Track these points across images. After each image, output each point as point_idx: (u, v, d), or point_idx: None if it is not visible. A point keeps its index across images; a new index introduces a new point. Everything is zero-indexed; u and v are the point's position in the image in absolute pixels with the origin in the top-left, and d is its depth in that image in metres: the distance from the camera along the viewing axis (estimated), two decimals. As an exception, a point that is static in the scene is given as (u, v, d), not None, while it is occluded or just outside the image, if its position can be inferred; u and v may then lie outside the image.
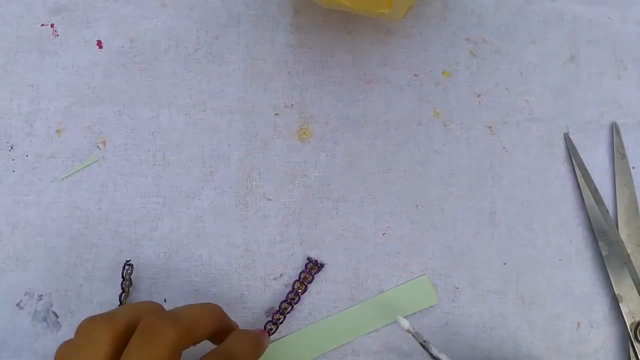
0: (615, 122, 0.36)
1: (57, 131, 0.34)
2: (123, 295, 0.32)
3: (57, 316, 0.33)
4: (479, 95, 0.36)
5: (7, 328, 0.33)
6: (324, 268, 0.34)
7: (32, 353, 0.33)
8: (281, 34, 0.36)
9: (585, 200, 0.35)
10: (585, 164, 0.36)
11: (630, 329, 0.34)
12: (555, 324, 0.35)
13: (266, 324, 0.33)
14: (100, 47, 0.35)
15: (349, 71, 0.36)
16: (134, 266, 0.33)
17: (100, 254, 0.34)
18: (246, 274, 0.34)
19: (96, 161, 0.34)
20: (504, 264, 0.35)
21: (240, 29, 0.36)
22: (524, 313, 0.35)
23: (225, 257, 0.34)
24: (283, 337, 0.33)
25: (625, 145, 0.36)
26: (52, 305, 0.33)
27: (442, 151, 0.36)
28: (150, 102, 0.35)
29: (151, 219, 0.34)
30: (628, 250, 0.35)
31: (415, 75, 0.36)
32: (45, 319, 0.33)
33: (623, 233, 0.35)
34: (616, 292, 0.34)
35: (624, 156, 0.36)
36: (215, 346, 0.27)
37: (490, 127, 0.36)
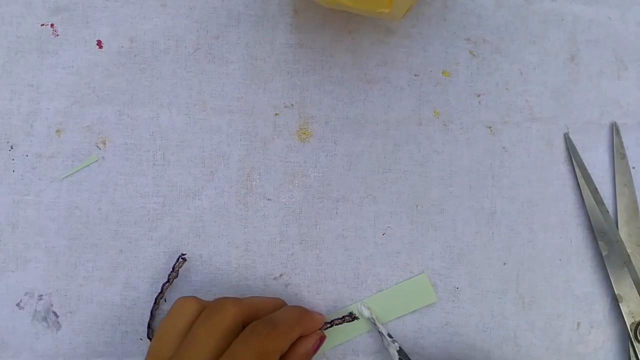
0: (615, 122, 0.36)
1: (57, 131, 0.34)
2: (167, 285, 0.33)
3: (57, 316, 0.33)
4: (479, 95, 0.36)
5: (7, 328, 0.33)
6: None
7: (32, 353, 0.33)
8: (281, 34, 0.36)
9: (585, 200, 0.35)
10: (585, 164, 0.36)
11: (630, 329, 0.34)
12: (555, 324, 0.35)
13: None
14: (100, 47, 0.35)
15: (349, 71, 0.36)
16: (186, 260, 0.33)
17: (100, 254, 0.34)
18: (246, 274, 0.34)
19: (96, 161, 0.34)
20: (504, 264, 0.35)
21: (240, 29, 0.36)
22: (524, 313, 0.35)
23: (225, 257, 0.34)
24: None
25: (625, 145, 0.36)
26: (52, 305, 0.33)
27: (442, 151, 0.36)
28: (150, 102, 0.35)
29: (151, 219, 0.34)
30: (628, 250, 0.35)
31: (415, 75, 0.36)
32: (45, 319, 0.33)
33: (623, 233, 0.35)
34: (616, 292, 0.34)
35: (624, 156, 0.36)
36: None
37: (490, 127, 0.36)
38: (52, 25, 0.35)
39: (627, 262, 0.34)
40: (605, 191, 0.36)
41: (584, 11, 0.37)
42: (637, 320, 0.34)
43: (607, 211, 0.35)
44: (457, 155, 0.36)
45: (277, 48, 0.36)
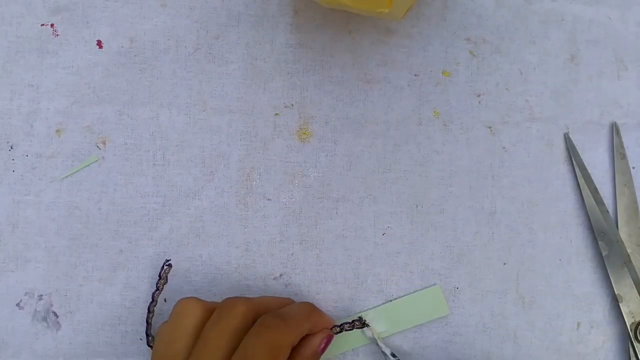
0: (615, 122, 0.36)
1: (57, 131, 0.34)
2: (157, 292, 0.32)
3: (57, 316, 0.33)
4: (479, 95, 0.36)
5: (7, 328, 0.33)
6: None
7: (32, 353, 0.33)
8: (281, 34, 0.36)
9: (585, 200, 0.35)
10: (585, 164, 0.36)
11: (630, 329, 0.34)
12: (555, 324, 0.35)
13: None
14: (100, 47, 0.35)
15: (349, 71, 0.36)
16: (172, 266, 0.33)
17: (100, 254, 0.34)
18: (246, 274, 0.34)
19: (96, 161, 0.34)
20: (504, 264, 0.35)
21: (240, 29, 0.36)
22: (524, 313, 0.35)
23: (225, 257, 0.34)
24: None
25: (625, 145, 0.36)
26: (52, 305, 0.33)
27: (442, 151, 0.36)
28: (150, 102, 0.35)
29: (151, 219, 0.34)
30: (628, 250, 0.35)
31: (415, 75, 0.36)
32: (45, 319, 0.33)
33: (623, 233, 0.35)
34: (616, 292, 0.34)
35: (624, 156, 0.36)
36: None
37: (490, 127, 0.36)
38: (52, 25, 0.35)
39: (627, 262, 0.34)
40: (605, 191, 0.36)
41: (584, 11, 0.37)
42: (637, 320, 0.34)
43: (607, 211, 0.35)
44: (457, 155, 0.36)
45: (277, 48, 0.36)
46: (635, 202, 0.35)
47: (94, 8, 0.35)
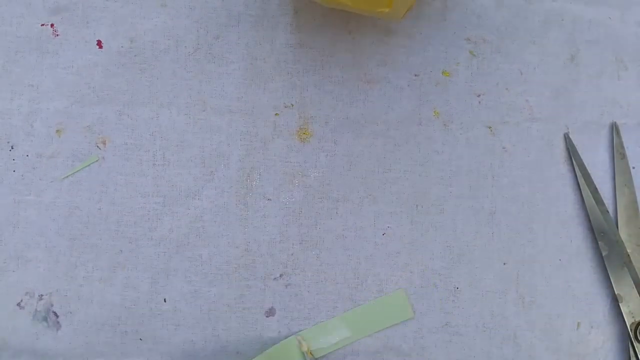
0: (615, 122, 0.36)
1: (57, 131, 0.34)
2: None
3: (57, 316, 0.33)
4: (479, 95, 0.36)
5: (7, 328, 0.33)
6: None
7: (32, 353, 0.33)
8: (281, 34, 0.36)
9: (585, 200, 0.35)
10: (585, 164, 0.36)
11: (630, 329, 0.34)
12: (555, 324, 0.35)
13: None
14: (100, 47, 0.35)
15: (349, 71, 0.36)
16: None
17: (100, 254, 0.34)
18: (246, 274, 0.34)
19: (96, 161, 0.34)
20: (504, 264, 0.35)
21: (240, 29, 0.36)
22: (524, 313, 0.35)
23: (225, 257, 0.34)
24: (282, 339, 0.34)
25: (625, 145, 0.36)
26: (52, 305, 0.33)
27: (442, 151, 0.36)
28: (150, 102, 0.35)
29: (151, 219, 0.34)
30: (628, 250, 0.35)
31: (415, 75, 0.36)
32: (45, 319, 0.33)
33: (623, 233, 0.35)
34: (616, 292, 0.34)
35: (624, 156, 0.36)
36: None
37: (490, 127, 0.36)
38: (52, 25, 0.35)
39: (627, 262, 0.34)
40: (605, 191, 0.36)
41: (584, 11, 0.37)
42: (637, 320, 0.34)
43: (607, 211, 0.35)
44: (457, 155, 0.36)
45: (277, 48, 0.36)
46: (635, 202, 0.35)
47: (94, 8, 0.35)
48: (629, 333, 0.34)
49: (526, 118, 0.36)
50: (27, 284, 0.33)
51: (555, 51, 0.37)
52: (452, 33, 0.37)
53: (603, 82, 0.37)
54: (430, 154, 0.36)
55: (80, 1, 0.35)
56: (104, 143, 0.35)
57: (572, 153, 0.36)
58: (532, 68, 0.37)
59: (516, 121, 0.36)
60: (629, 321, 0.34)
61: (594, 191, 0.35)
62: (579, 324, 0.35)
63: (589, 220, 0.35)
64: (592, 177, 0.35)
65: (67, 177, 0.34)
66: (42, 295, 0.33)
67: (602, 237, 0.35)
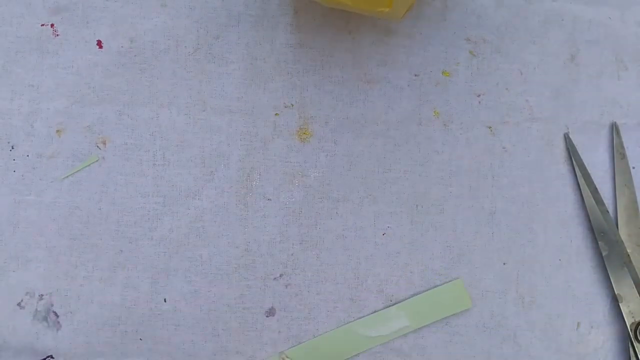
0: (615, 122, 0.36)
1: (58, 131, 0.34)
2: None
3: (57, 316, 0.33)
4: (479, 95, 0.36)
5: (7, 328, 0.33)
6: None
7: (32, 353, 0.33)
8: (281, 34, 0.36)
9: (585, 200, 0.35)
10: (585, 164, 0.36)
11: (630, 329, 0.34)
12: (555, 324, 0.35)
13: None
14: (100, 47, 0.35)
15: (349, 71, 0.36)
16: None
17: (101, 254, 0.34)
18: (246, 274, 0.34)
19: (96, 161, 0.34)
20: (504, 264, 0.35)
21: (240, 29, 0.36)
22: (524, 313, 0.35)
23: (225, 257, 0.34)
24: (301, 342, 0.34)
25: (625, 145, 0.36)
26: (52, 305, 0.33)
27: (442, 151, 0.36)
28: (150, 102, 0.35)
29: (151, 219, 0.34)
30: (628, 250, 0.35)
31: (415, 75, 0.36)
32: (45, 319, 0.33)
33: (623, 233, 0.35)
34: (616, 292, 0.34)
35: (624, 156, 0.36)
36: None
37: (490, 127, 0.36)
38: (52, 25, 0.35)
39: (627, 262, 0.34)
40: (605, 191, 0.36)
41: (584, 11, 0.37)
42: (637, 320, 0.34)
43: (607, 211, 0.35)
44: (457, 155, 0.36)
45: (277, 48, 0.36)
46: (635, 202, 0.35)
47: (94, 8, 0.35)
48: (629, 333, 0.34)
49: (526, 118, 0.36)
50: (27, 284, 0.33)
51: (555, 51, 0.37)
52: (452, 33, 0.37)
53: (603, 82, 0.37)
54: (430, 154, 0.36)
55: (80, 1, 0.35)
56: (104, 143, 0.35)
57: (572, 153, 0.36)
58: (532, 68, 0.37)
59: (516, 121, 0.36)
60: (629, 321, 0.34)
61: (594, 191, 0.35)
62: (579, 324, 0.35)
63: (589, 220, 0.35)
64: (592, 177, 0.35)
65: (67, 177, 0.34)
66: (42, 295, 0.33)
67: (602, 237, 0.35)
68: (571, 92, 0.37)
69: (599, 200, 0.35)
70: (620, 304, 0.34)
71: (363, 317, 0.34)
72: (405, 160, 0.35)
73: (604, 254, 0.35)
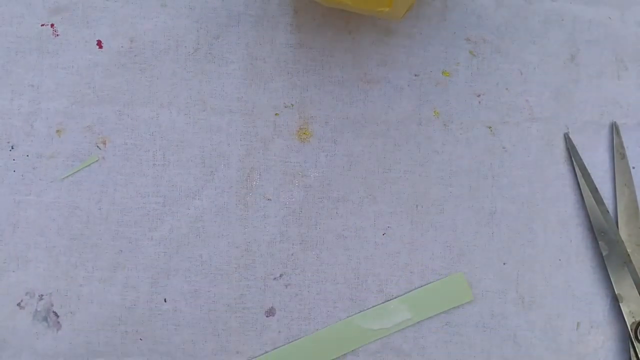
0: (615, 122, 0.36)
1: (57, 131, 0.34)
2: None
3: (57, 316, 0.33)
4: (479, 95, 0.36)
5: (7, 328, 0.33)
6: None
7: (32, 353, 0.33)
8: (281, 34, 0.36)
9: (585, 200, 0.35)
10: (585, 164, 0.36)
11: (631, 329, 0.34)
12: (555, 324, 0.35)
13: None
14: (100, 47, 0.35)
15: (349, 71, 0.36)
16: None
17: (101, 254, 0.34)
18: (246, 274, 0.34)
19: (96, 161, 0.34)
20: (504, 263, 0.35)
21: (240, 29, 0.36)
22: (524, 313, 0.35)
23: (225, 257, 0.34)
24: (293, 340, 0.34)
25: (625, 145, 0.36)
26: (52, 305, 0.33)
27: (442, 151, 0.36)
28: (150, 102, 0.35)
29: (151, 219, 0.34)
30: (628, 250, 0.35)
31: (415, 75, 0.36)
32: (45, 319, 0.33)
33: (623, 233, 0.35)
34: (616, 292, 0.34)
35: (624, 156, 0.36)
36: None
37: (490, 127, 0.36)
38: (52, 25, 0.35)
39: (627, 262, 0.34)
40: (605, 191, 0.36)
41: (584, 11, 0.37)
42: (637, 320, 0.34)
43: (607, 211, 0.35)
44: (457, 155, 0.36)
45: (277, 48, 0.36)
46: (635, 202, 0.35)
47: (94, 8, 0.35)
48: (629, 333, 0.34)
49: (526, 118, 0.36)
50: (27, 284, 0.33)
51: (555, 51, 0.37)
52: (452, 33, 0.37)
53: (603, 82, 0.37)
54: (430, 154, 0.36)
55: (80, 1, 0.35)
56: (104, 143, 0.35)
57: (572, 153, 0.36)
58: (532, 68, 0.37)
59: (516, 121, 0.36)
60: (629, 321, 0.34)
61: (594, 191, 0.35)
62: (578, 324, 0.35)
63: (589, 220, 0.35)
64: (592, 177, 0.35)
65: (67, 177, 0.34)
66: (42, 295, 0.33)
67: (602, 237, 0.35)
68: (571, 92, 0.37)
69: (599, 200, 0.35)
70: (620, 304, 0.34)
71: (364, 310, 0.34)
72: (405, 160, 0.35)
73: (604, 254, 0.35)
